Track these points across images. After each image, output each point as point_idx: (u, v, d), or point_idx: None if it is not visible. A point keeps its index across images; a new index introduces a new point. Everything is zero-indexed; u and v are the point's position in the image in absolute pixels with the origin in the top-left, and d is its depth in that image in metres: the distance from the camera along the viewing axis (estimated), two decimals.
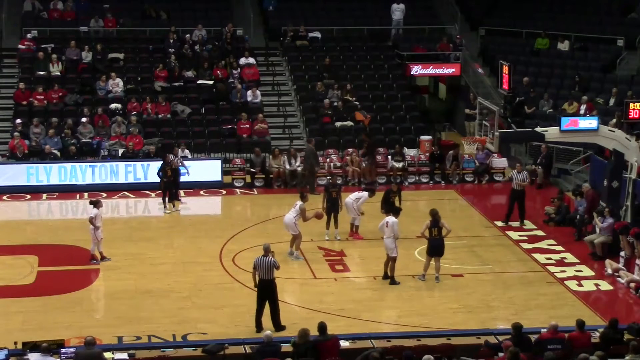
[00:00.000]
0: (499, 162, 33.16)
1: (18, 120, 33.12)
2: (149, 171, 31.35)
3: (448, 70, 38.87)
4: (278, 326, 19.73)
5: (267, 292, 19.79)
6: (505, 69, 30.88)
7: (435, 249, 23.00)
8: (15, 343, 17.68)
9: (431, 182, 32.95)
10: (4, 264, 24.26)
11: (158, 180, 29.47)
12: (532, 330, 17.78)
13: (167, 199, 29.21)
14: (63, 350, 16.59)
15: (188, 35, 38.16)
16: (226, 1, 41.78)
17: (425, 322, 20.52)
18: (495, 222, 28.09)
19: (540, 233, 27.28)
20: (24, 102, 34.39)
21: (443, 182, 32.87)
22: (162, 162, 29.41)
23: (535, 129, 27.62)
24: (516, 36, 40.24)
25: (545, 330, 17.47)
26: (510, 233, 27.20)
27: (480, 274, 23.91)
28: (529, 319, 20.04)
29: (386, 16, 40.53)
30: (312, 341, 16.75)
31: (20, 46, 37.13)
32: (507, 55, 37.06)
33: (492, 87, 36.89)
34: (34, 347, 16.57)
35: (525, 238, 26.77)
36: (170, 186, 29.21)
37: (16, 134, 32.41)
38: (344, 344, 17.34)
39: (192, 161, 31.83)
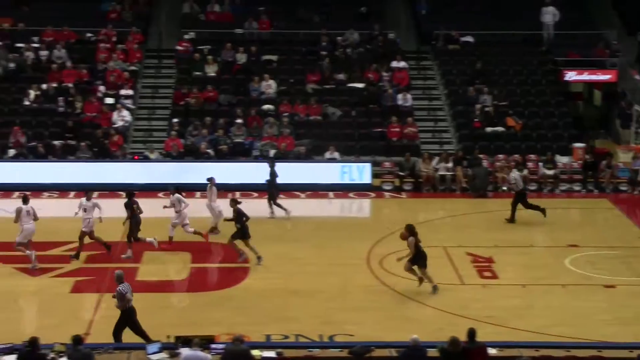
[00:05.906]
0: None
1: (175, 120, 34.04)
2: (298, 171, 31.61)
3: (604, 76, 37.97)
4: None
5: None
6: None
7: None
8: (168, 337, 18.17)
9: (584, 190, 32.27)
10: (160, 259, 24.98)
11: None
12: None
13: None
14: (213, 345, 16.97)
15: (340, 38, 38.43)
16: (379, 4, 41.83)
17: (575, 333, 20.06)
18: None
19: None
20: (181, 103, 35.34)
21: (596, 190, 32.16)
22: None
23: None
24: None
25: None
26: None
27: (635, 285, 23.23)
28: None
29: (540, 21, 39.84)
30: (461, 348, 16.59)
31: (178, 47, 38.17)
32: None
33: None
34: (185, 341, 16.97)
35: None
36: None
37: (173, 133, 33.32)
38: (491, 351, 17.14)
39: (341, 163, 32.08)
